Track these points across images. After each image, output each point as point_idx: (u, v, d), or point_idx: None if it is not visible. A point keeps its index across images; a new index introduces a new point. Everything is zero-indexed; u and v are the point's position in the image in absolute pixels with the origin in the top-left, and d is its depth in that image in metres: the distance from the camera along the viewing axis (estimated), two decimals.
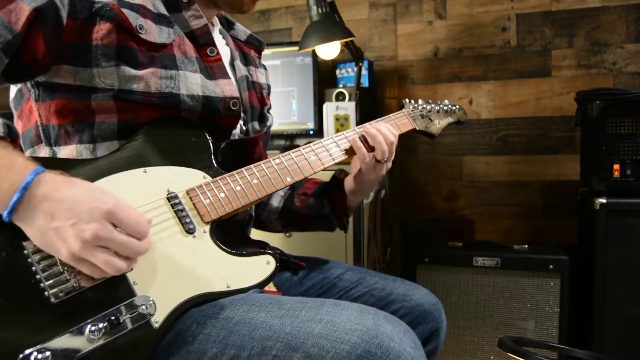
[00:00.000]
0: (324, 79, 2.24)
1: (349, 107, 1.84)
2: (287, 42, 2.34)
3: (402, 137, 1.08)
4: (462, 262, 1.80)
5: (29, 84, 0.80)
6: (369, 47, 2.32)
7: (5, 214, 0.63)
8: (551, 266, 1.70)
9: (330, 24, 1.80)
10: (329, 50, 1.95)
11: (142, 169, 0.78)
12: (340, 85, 2.20)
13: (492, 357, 1.78)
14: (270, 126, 1.10)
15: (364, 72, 2.15)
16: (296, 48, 1.94)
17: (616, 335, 1.58)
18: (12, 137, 0.67)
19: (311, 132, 2.16)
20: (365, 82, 2.17)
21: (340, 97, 2.01)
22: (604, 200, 1.58)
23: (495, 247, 1.84)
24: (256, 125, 1.03)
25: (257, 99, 1.05)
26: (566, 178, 2.09)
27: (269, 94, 1.14)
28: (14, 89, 0.85)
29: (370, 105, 2.23)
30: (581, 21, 2.06)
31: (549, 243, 2.07)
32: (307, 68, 2.16)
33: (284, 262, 1.00)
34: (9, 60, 0.71)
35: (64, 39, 0.75)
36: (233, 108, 0.90)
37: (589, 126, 1.69)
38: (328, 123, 1.84)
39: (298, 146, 0.94)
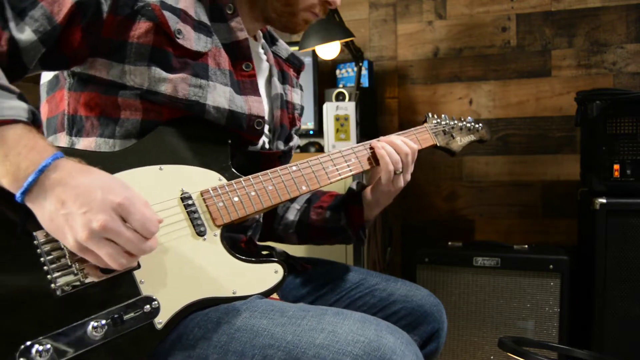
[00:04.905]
0: (324, 79, 2.24)
1: (349, 107, 1.84)
2: (287, 42, 2.33)
3: None
4: (462, 262, 1.80)
5: (65, 73, 0.80)
6: (369, 47, 2.32)
7: (18, 194, 0.61)
8: (551, 266, 1.70)
9: (330, 24, 1.80)
10: (329, 50, 1.95)
11: (158, 166, 0.77)
12: (340, 85, 2.20)
13: (492, 357, 1.78)
14: (292, 147, 1.08)
15: (364, 72, 2.15)
16: (296, 48, 1.94)
17: (616, 335, 1.58)
18: (35, 125, 0.66)
19: (311, 132, 2.16)
20: (365, 82, 2.16)
21: (340, 97, 2.01)
22: (604, 200, 1.58)
23: (495, 247, 1.84)
24: (280, 144, 1.02)
25: (288, 119, 1.04)
26: (566, 178, 2.09)
27: (301, 114, 1.13)
28: (49, 74, 0.85)
29: (370, 106, 2.23)
30: (581, 21, 2.06)
31: (549, 243, 2.07)
32: (307, 68, 2.15)
33: (290, 265, 1.00)
34: (47, 49, 0.71)
35: (103, 34, 0.76)
36: (257, 127, 0.89)
37: (589, 126, 1.69)
38: (328, 123, 1.84)
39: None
